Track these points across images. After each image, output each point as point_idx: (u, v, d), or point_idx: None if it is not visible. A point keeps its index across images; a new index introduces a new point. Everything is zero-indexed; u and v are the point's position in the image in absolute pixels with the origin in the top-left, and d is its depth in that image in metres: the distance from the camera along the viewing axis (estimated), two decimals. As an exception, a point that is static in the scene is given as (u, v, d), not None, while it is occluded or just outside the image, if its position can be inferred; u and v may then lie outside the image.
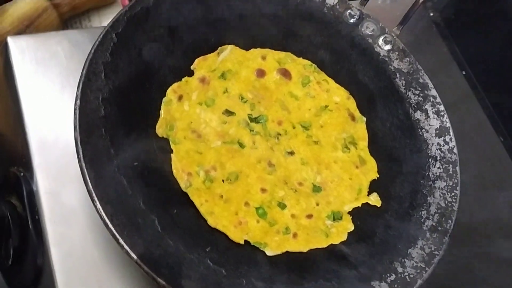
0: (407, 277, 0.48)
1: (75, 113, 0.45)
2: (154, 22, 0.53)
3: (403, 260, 0.49)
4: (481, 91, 0.72)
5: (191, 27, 0.55)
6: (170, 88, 0.51)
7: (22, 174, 0.50)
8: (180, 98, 0.51)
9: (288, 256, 0.47)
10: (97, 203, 0.42)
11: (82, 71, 0.47)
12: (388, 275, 0.48)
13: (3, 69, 0.56)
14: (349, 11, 0.61)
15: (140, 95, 0.50)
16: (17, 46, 0.55)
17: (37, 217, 0.48)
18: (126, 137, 0.47)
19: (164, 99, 0.50)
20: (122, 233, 0.42)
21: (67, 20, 0.77)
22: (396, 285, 0.47)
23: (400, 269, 0.48)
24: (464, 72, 0.79)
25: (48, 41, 0.57)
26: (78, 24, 0.79)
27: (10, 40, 0.56)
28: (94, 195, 0.42)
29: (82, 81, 0.46)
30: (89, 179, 0.43)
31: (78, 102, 0.45)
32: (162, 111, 0.50)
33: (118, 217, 0.42)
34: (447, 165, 0.55)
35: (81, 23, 0.79)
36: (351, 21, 0.61)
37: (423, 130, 0.57)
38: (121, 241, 0.41)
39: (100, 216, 0.42)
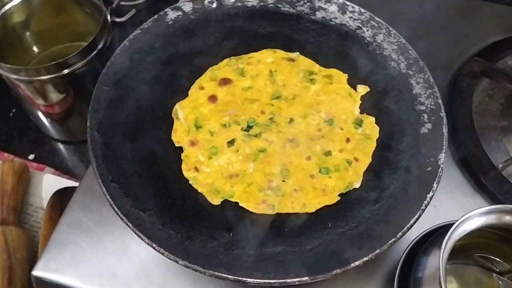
0: (430, 106, 0.58)
1: (160, 251, 0.49)
2: (114, 139, 0.56)
3: (418, 100, 0.59)
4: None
5: (142, 118, 0.58)
6: (184, 171, 0.55)
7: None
8: (196, 169, 0.56)
9: (367, 174, 0.56)
10: (244, 278, 0.48)
11: (128, 224, 0.50)
12: (422, 117, 0.58)
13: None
14: (206, 1, 0.67)
15: (178, 197, 0.54)
16: (46, 267, 0.57)
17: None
18: (210, 228, 0.52)
19: (190, 182, 0.55)
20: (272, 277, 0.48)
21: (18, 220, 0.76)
22: (433, 118, 0.58)
23: (423, 107, 0.59)
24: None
25: (58, 239, 0.58)
26: (25, 215, 0.78)
27: (37, 274, 0.57)
28: (233, 276, 0.47)
29: (137, 229, 0.49)
30: (223, 271, 0.48)
31: (156, 245, 0.49)
32: (200, 190, 0.54)
33: (269, 269, 0.48)
34: (370, 23, 0.65)
35: (26, 211, 0.79)
36: (214, 5, 0.67)
37: (332, 19, 0.66)
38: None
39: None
